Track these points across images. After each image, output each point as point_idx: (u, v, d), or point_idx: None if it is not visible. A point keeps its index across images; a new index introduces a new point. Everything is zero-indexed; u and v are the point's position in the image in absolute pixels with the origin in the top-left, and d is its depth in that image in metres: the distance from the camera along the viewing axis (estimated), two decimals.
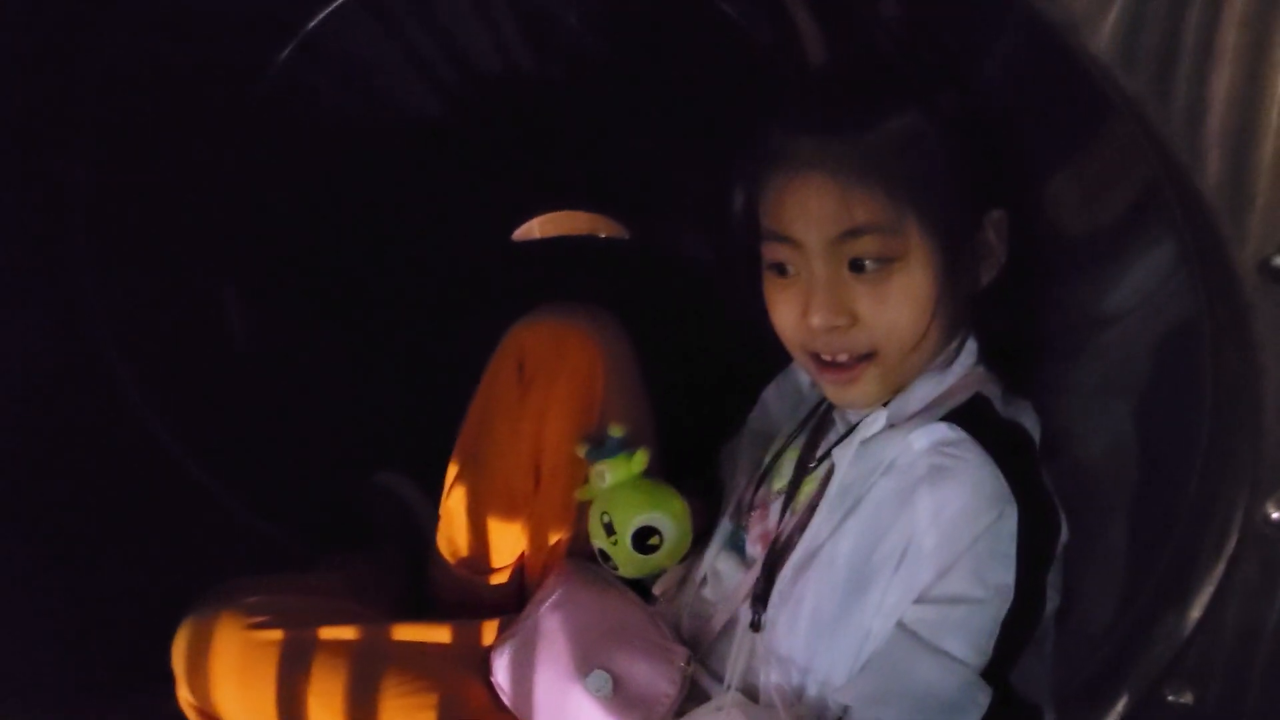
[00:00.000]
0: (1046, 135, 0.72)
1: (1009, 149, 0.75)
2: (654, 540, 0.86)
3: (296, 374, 1.27)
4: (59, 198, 1.04)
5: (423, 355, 1.30)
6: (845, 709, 0.71)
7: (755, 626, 0.77)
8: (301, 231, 1.24)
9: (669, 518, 0.87)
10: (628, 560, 0.87)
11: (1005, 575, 0.68)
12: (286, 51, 1.10)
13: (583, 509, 0.91)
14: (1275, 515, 0.54)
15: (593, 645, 0.80)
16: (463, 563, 0.96)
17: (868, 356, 0.74)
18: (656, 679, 0.78)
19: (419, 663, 0.85)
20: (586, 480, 0.90)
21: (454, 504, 0.95)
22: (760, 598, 0.77)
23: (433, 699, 0.82)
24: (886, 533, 0.71)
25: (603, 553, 0.88)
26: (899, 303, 0.72)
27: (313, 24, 1.09)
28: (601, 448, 0.89)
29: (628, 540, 0.86)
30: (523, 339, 0.91)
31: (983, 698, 0.68)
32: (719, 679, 0.78)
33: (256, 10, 1.07)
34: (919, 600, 0.69)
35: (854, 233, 0.71)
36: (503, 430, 0.92)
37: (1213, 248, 0.49)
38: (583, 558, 0.92)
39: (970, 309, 0.76)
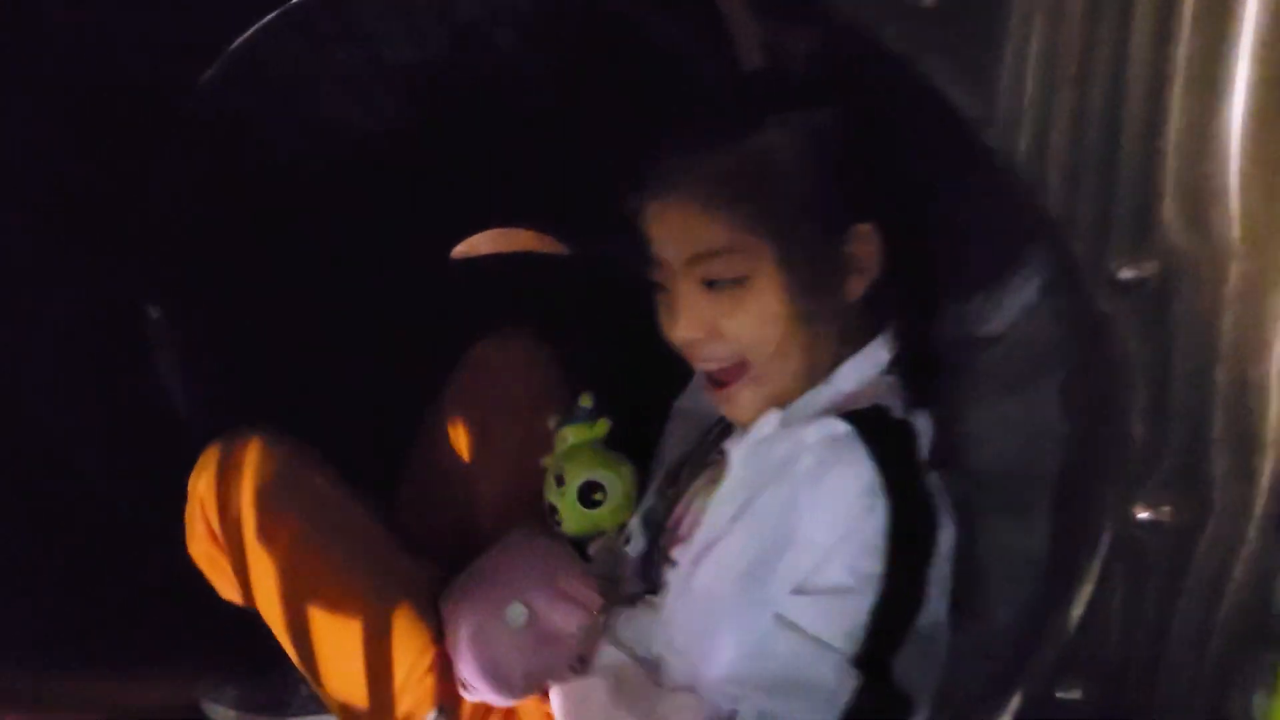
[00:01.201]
0: (927, 155, 0.75)
1: (884, 163, 0.76)
2: (598, 496, 0.91)
3: (244, 393, 1.26)
4: None
5: (364, 374, 1.30)
6: (734, 698, 0.74)
7: (632, 601, 0.82)
8: (237, 255, 1.23)
9: (615, 477, 0.92)
10: (572, 512, 0.92)
11: (874, 566, 0.72)
12: (211, 70, 1.11)
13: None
14: (1142, 515, 0.57)
15: (519, 581, 0.85)
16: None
17: (741, 366, 0.77)
18: (569, 621, 0.82)
19: (385, 563, 0.91)
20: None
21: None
22: (644, 577, 0.83)
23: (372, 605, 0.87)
24: (774, 528, 0.73)
25: (551, 506, 0.93)
26: (753, 318, 0.75)
27: (238, 42, 1.10)
28: (570, 416, 0.95)
29: (574, 492, 0.91)
30: (480, 346, 1.07)
31: (851, 682, 0.71)
32: (619, 644, 0.81)
33: (180, 27, 1.07)
34: (797, 591, 0.72)
35: (703, 255, 0.74)
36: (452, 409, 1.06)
37: (1072, 266, 0.52)
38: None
39: (865, 319, 0.78)
